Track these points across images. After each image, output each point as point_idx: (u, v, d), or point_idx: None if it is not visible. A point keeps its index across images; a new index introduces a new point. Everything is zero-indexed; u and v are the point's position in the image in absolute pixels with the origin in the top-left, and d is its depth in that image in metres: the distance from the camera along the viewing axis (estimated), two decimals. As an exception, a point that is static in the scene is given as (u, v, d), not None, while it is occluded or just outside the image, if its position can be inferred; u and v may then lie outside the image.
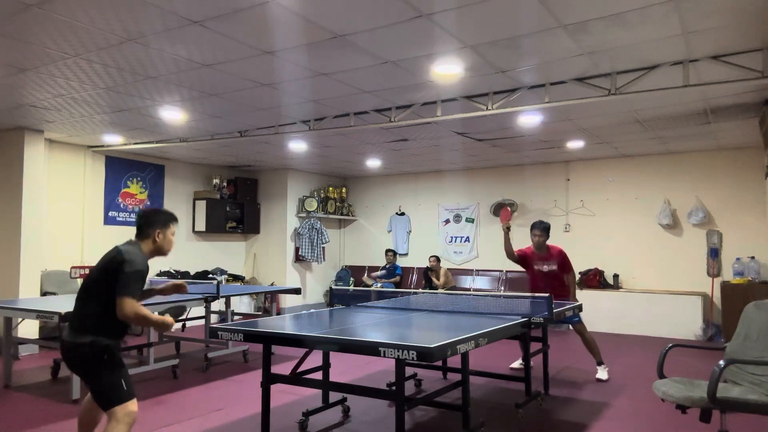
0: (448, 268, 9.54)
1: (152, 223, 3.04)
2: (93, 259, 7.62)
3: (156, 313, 3.09)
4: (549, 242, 5.64)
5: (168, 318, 2.99)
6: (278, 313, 7.66)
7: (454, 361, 3.98)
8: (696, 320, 7.59)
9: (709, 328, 7.56)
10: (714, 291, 7.77)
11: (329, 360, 4.31)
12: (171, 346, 6.86)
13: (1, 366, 5.27)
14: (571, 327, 7.92)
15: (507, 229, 5.44)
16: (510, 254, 5.53)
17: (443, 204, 10.24)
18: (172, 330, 3.21)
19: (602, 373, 5.42)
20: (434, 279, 9.25)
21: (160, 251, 3.07)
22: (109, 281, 2.80)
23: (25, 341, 5.67)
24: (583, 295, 7.91)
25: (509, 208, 5.51)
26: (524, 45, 3.93)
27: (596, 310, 7.98)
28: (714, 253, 7.77)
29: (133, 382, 2.88)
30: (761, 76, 4.19)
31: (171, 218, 3.13)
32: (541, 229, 5.54)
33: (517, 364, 5.88)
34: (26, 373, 5.61)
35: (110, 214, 8.11)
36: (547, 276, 5.56)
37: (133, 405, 2.79)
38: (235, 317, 7.25)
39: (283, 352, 6.39)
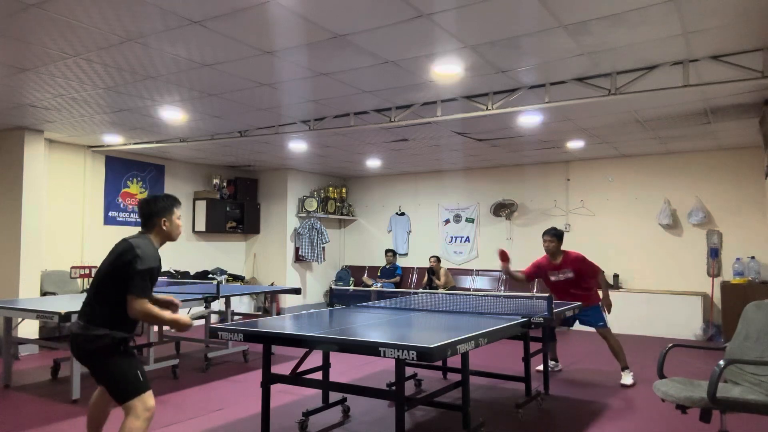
0: (448, 268, 9.55)
1: (156, 212, 2.97)
2: (93, 259, 7.63)
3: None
4: (567, 248, 5.42)
5: (183, 317, 2.92)
6: (278, 313, 7.65)
7: (454, 361, 3.97)
8: (696, 320, 7.59)
9: (709, 328, 7.56)
10: (714, 291, 7.77)
11: (329, 360, 4.31)
12: (171, 346, 6.86)
13: (1, 366, 5.26)
14: (570, 329, 7.99)
15: (506, 271, 5.31)
16: (521, 279, 5.49)
17: (443, 204, 10.23)
18: (191, 329, 3.13)
19: (626, 378, 5.22)
20: (434, 279, 9.26)
21: (170, 238, 3.04)
22: (120, 276, 2.75)
23: (25, 341, 5.67)
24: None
25: (504, 250, 5.34)
26: (524, 45, 3.93)
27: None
28: (714, 253, 7.77)
29: (148, 377, 2.84)
30: (761, 76, 4.19)
31: (174, 203, 3.05)
32: (552, 234, 5.36)
33: (550, 364, 5.62)
34: (26, 373, 5.61)
35: (110, 214, 8.10)
36: (566, 284, 5.34)
37: (150, 399, 2.75)
38: (235, 317, 7.25)
39: (283, 352, 6.39)
